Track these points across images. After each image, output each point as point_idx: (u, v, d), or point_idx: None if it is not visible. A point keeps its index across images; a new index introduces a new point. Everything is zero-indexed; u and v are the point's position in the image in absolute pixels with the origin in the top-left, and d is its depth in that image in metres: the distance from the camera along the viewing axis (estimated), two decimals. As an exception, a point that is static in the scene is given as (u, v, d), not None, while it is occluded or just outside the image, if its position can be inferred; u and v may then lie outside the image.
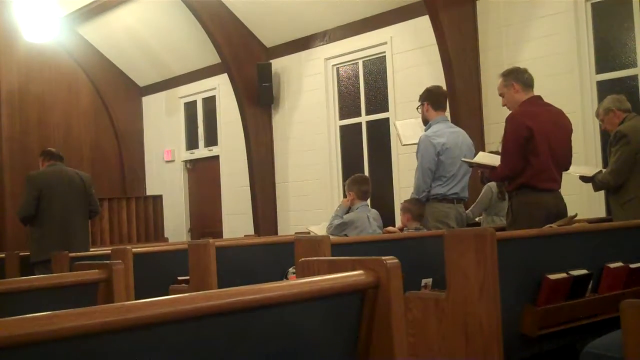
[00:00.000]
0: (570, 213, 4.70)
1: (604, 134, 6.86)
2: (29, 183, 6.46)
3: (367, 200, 6.17)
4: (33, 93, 12.04)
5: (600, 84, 7.01)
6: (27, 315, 1.07)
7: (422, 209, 5.56)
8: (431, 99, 5.72)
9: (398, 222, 6.78)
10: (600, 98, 6.92)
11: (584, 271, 3.22)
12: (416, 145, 5.74)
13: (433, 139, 5.54)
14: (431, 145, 5.51)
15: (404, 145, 6.44)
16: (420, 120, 5.99)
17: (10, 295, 2.18)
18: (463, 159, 5.54)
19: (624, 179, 5.14)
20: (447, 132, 5.63)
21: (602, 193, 6.56)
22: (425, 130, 5.69)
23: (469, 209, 6.34)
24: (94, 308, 1.15)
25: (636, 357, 1.76)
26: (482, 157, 5.17)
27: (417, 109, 5.85)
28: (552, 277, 3.08)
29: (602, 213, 6.59)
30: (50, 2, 10.34)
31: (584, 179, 5.44)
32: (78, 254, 5.45)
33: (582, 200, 6.51)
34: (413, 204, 5.63)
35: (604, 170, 5.32)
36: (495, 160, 4.88)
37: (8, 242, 10.94)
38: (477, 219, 6.36)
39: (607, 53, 7.04)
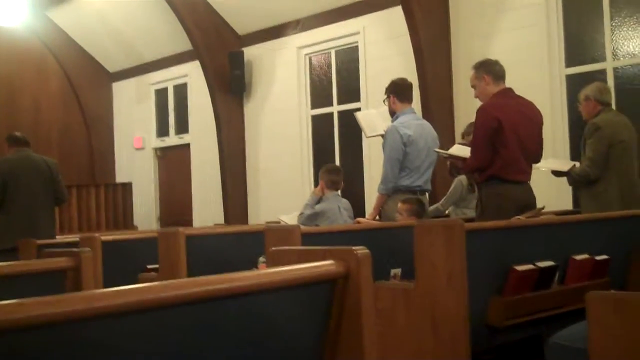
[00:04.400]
0: (538, 205, 4.75)
1: (573, 127, 6.95)
2: None
3: (338, 190, 6.17)
4: (1, 76, 11.86)
5: (569, 78, 7.08)
6: (-7, 304, 1.06)
7: (413, 206, 5.48)
8: (397, 91, 5.75)
9: (368, 212, 6.79)
10: (570, 91, 7.00)
11: (550, 263, 3.26)
12: (381, 137, 5.77)
13: (400, 129, 5.57)
14: (399, 136, 5.54)
15: (368, 137, 6.46)
16: (382, 110, 6.03)
17: (-24, 283, 2.15)
18: (436, 150, 5.57)
19: (601, 171, 5.17)
20: (413, 123, 5.68)
21: (569, 186, 6.64)
22: (393, 121, 5.72)
23: (439, 202, 6.38)
24: (62, 296, 1.14)
25: (601, 348, 1.78)
26: (457, 150, 5.21)
27: (384, 101, 5.89)
28: (519, 268, 3.11)
29: (569, 205, 6.67)
30: (19, -15, 10.19)
31: (557, 173, 5.47)
32: (46, 241, 5.39)
33: (550, 192, 6.58)
34: (403, 203, 5.59)
35: (577, 165, 5.36)
36: (468, 152, 4.91)
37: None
38: (446, 212, 6.40)
39: (577, 47, 7.11)
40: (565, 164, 5.55)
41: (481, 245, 3.01)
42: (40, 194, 6.43)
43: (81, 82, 12.71)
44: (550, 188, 6.53)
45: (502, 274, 3.12)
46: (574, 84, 6.90)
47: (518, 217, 4.22)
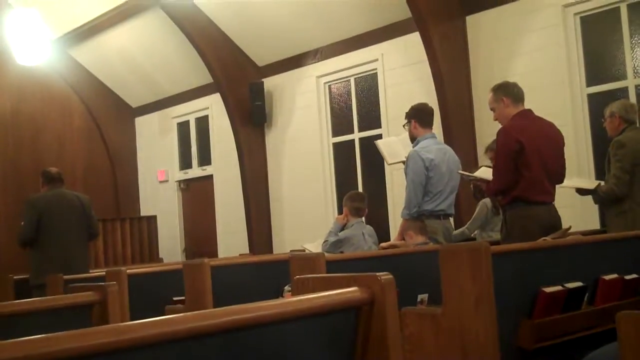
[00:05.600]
0: (564, 225, 4.70)
1: (596, 146, 6.90)
2: (28, 207, 6.46)
3: (361, 217, 6.17)
4: (25, 115, 12.04)
5: (590, 97, 7.04)
6: (22, 338, 1.07)
7: (420, 223, 5.55)
8: (418, 116, 5.75)
9: (392, 238, 6.76)
10: (591, 111, 6.96)
11: (579, 284, 3.22)
12: (402, 163, 5.76)
13: (422, 154, 5.57)
14: (420, 160, 5.54)
15: (390, 164, 6.46)
16: (402, 137, 6.03)
17: (5, 319, 2.17)
18: (459, 172, 5.56)
19: (628, 187, 5.12)
20: (434, 148, 5.67)
21: (595, 205, 6.58)
22: (414, 146, 5.72)
23: (465, 226, 6.35)
24: (88, 330, 1.15)
25: (633, 368, 1.75)
26: (481, 172, 5.19)
27: (404, 126, 5.88)
28: (548, 290, 3.08)
29: (596, 225, 6.60)
30: (42, 25, 10.36)
31: (582, 191, 5.42)
32: (72, 276, 5.42)
33: (575, 212, 6.52)
34: (409, 222, 5.65)
35: (602, 183, 5.32)
36: (491, 174, 4.90)
37: (2, 264, 10.88)
38: (472, 235, 6.36)
39: (597, 66, 7.08)
40: (591, 183, 5.51)
41: (508, 268, 2.99)
42: (74, 230, 6.54)
43: (104, 118, 12.85)
44: (575, 208, 6.47)
45: (530, 296, 3.08)
46: (596, 102, 6.86)
47: (544, 238, 4.18)
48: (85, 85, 12.63)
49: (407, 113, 5.85)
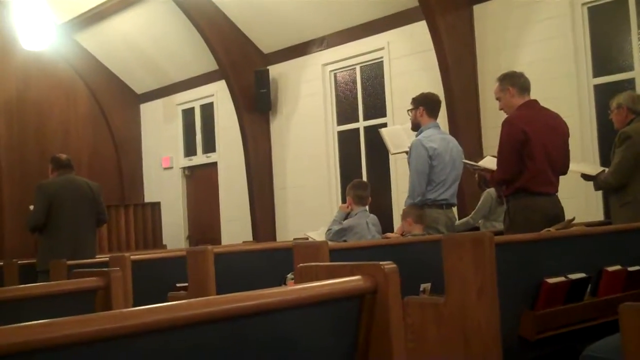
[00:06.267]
0: (568, 216, 4.69)
1: (602, 137, 6.88)
2: (39, 192, 6.46)
3: (365, 205, 6.16)
4: (31, 101, 12.04)
5: (597, 88, 7.02)
6: (24, 324, 1.07)
7: (420, 211, 5.57)
8: (427, 104, 5.73)
9: (397, 227, 6.77)
10: (598, 101, 6.94)
11: (582, 275, 3.22)
12: (405, 153, 5.75)
13: (425, 143, 5.56)
14: (424, 149, 5.53)
15: (393, 154, 6.44)
16: (406, 126, 6.01)
17: (8, 304, 2.17)
18: (463, 161, 5.55)
19: (625, 180, 5.10)
20: (438, 137, 5.66)
21: (600, 196, 6.57)
22: (417, 135, 5.71)
23: (469, 216, 6.34)
24: (92, 315, 1.15)
25: (635, 359, 1.76)
26: (486, 162, 5.18)
27: (409, 111, 5.85)
28: (551, 280, 3.08)
29: (600, 216, 6.59)
30: (48, 10, 10.35)
31: (586, 177, 5.42)
32: (76, 262, 5.44)
33: (580, 203, 6.51)
34: (412, 207, 5.65)
35: (606, 170, 5.31)
36: (495, 164, 4.89)
37: (6, 250, 10.93)
38: (476, 225, 6.36)
39: (604, 56, 7.05)
40: (595, 169, 5.50)
41: (511, 258, 2.99)
42: (83, 216, 6.55)
43: (109, 105, 12.86)
44: (579, 199, 6.47)
45: (533, 286, 3.08)
46: (602, 93, 6.84)
47: (548, 229, 4.18)
48: (91, 71, 12.63)
49: (414, 99, 5.82)
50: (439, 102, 5.85)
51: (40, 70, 12.02)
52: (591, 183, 5.42)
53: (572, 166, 5.06)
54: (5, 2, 11.29)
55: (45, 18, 10.30)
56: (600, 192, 6.22)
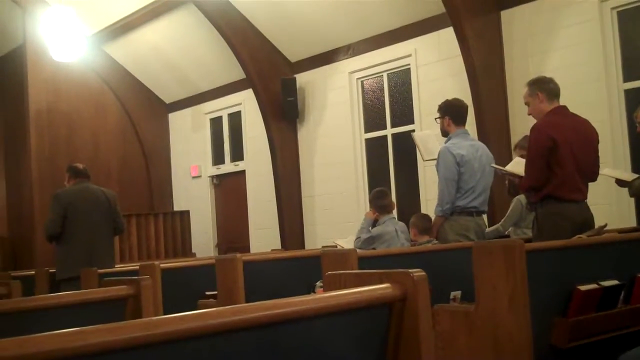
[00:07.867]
0: (599, 223, 4.64)
1: (633, 142, 6.79)
2: (54, 201, 6.51)
3: (390, 212, 6.13)
4: (61, 112, 12.19)
5: (627, 93, 6.94)
6: (56, 332, 1.08)
7: (427, 223, 5.55)
8: (452, 113, 5.67)
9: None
10: (628, 107, 6.85)
11: (614, 282, 3.17)
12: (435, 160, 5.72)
13: (452, 149, 5.51)
14: (451, 156, 5.48)
15: (426, 160, 6.41)
16: (438, 132, 5.97)
17: (40, 312, 2.19)
18: (492, 165, 5.50)
19: None
20: (465, 144, 5.60)
21: (632, 202, 6.48)
22: (445, 142, 5.67)
23: (499, 223, 6.29)
24: (122, 323, 1.15)
25: (671, 368, 1.72)
26: (514, 165, 5.13)
27: (436, 120, 5.82)
28: (583, 288, 3.04)
29: (632, 223, 6.50)
30: (77, 22, 10.47)
31: (621, 182, 5.35)
32: (106, 270, 5.48)
33: (611, 210, 6.43)
34: (418, 218, 5.66)
35: None
36: (524, 167, 4.84)
37: (38, 259, 11.05)
38: (507, 232, 6.30)
39: (634, 61, 6.97)
40: (630, 175, 5.43)
41: (542, 266, 2.95)
42: (99, 224, 6.55)
43: (138, 114, 12.98)
44: (610, 206, 6.39)
45: (564, 294, 3.04)
46: (633, 98, 6.76)
47: (579, 236, 4.13)
48: (120, 81, 12.77)
49: (440, 107, 5.78)
50: (464, 108, 5.79)
51: (70, 81, 12.17)
52: (622, 189, 5.35)
53: (607, 171, 5.01)
54: (36, 14, 11.46)
55: (75, 29, 10.42)
56: (632, 199, 6.14)
